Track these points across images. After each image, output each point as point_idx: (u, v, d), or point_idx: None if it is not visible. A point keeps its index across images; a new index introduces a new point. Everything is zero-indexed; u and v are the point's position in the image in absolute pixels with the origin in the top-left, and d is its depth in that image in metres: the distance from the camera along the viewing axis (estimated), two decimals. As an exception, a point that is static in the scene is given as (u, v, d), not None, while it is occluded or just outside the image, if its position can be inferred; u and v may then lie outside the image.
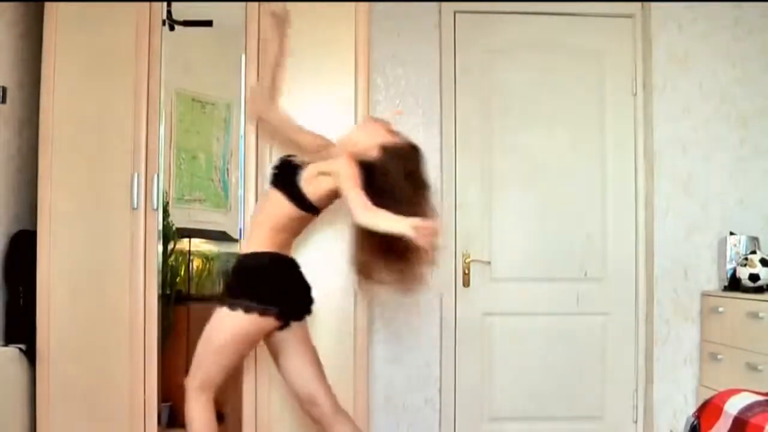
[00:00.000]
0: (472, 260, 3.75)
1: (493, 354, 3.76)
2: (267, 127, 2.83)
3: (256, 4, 3.08)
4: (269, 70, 2.82)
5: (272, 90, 2.81)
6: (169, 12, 3.13)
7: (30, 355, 2.97)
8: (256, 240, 2.54)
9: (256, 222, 2.60)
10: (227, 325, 2.49)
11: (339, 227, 3.07)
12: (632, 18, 3.84)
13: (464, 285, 3.74)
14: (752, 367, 3.11)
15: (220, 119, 3.45)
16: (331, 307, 3.02)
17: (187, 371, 2.54)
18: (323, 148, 2.70)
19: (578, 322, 3.78)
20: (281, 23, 2.74)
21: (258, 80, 2.84)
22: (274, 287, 2.51)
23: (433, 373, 3.70)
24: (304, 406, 2.62)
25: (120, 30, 3.04)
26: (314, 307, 2.66)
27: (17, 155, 3.14)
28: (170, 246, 3.24)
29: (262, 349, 3.02)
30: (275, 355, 2.64)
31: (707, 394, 2.71)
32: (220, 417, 2.60)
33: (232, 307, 2.48)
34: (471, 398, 3.74)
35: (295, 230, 2.61)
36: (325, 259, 3.06)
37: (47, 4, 3.01)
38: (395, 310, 3.69)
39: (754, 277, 3.34)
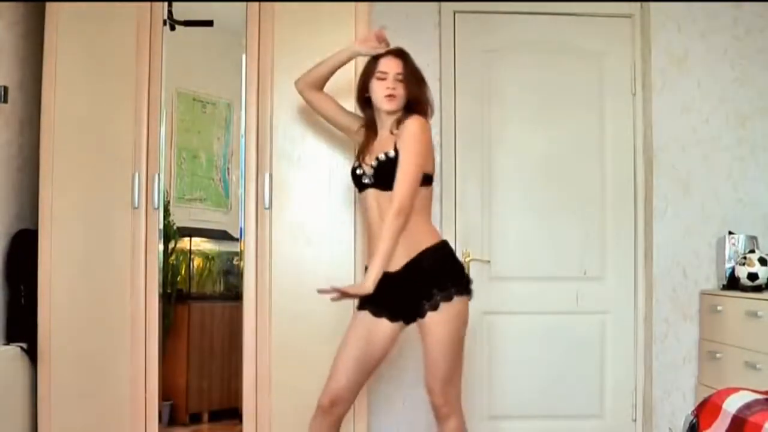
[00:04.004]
0: (472, 259, 3.76)
1: (493, 353, 3.76)
2: (309, 102, 2.82)
3: (256, 4, 3.09)
4: (332, 68, 2.73)
5: (321, 81, 2.76)
6: (169, 12, 3.13)
7: (31, 354, 2.97)
8: (423, 232, 2.53)
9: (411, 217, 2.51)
10: (465, 317, 2.50)
11: (338, 224, 3.09)
12: (631, 18, 3.84)
13: (464, 284, 3.75)
14: (751, 366, 3.12)
15: (221, 119, 3.46)
16: (330, 305, 3.02)
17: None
18: (351, 126, 2.76)
19: (577, 321, 3.79)
20: (380, 48, 2.65)
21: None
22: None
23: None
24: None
25: (121, 30, 3.05)
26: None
27: (18, 155, 3.14)
28: (171, 245, 3.25)
29: (263, 346, 3.04)
30: None
31: (706, 393, 2.72)
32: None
33: (459, 293, 2.47)
34: (471, 397, 3.74)
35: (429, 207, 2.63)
36: (325, 256, 3.07)
37: (48, 4, 3.02)
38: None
39: (752, 276, 3.34)
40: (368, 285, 2.44)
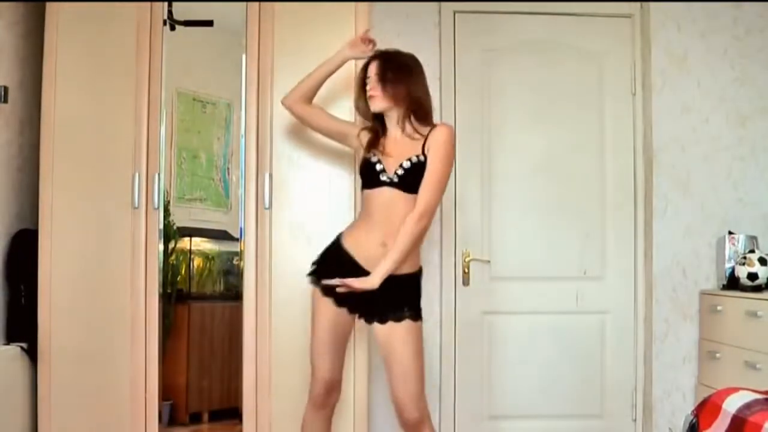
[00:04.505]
0: (472, 259, 3.76)
1: (493, 352, 3.77)
2: (300, 117, 2.84)
3: (256, 4, 3.09)
4: (324, 76, 2.77)
5: (313, 91, 2.79)
6: (170, 12, 3.13)
7: (31, 353, 2.98)
8: (414, 255, 2.60)
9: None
10: (420, 336, 2.57)
11: (338, 224, 3.08)
12: (631, 18, 3.84)
13: (464, 284, 3.75)
14: (751, 366, 3.12)
15: (221, 119, 3.46)
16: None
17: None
18: (348, 132, 2.79)
19: (577, 321, 3.79)
20: (367, 51, 2.72)
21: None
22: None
23: (433, 371, 3.71)
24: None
25: (121, 30, 3.05)
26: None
27: (18, 155, 3.14)
28: (171, 245, 3.25)
29: (263, 346, 3.04)
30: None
31: (706, 393, 2.72)
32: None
33: (417, 319, 2.58)
34: (471, 396, 3.75)
35: None
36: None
37: (48, 4, 3.02)
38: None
39: (752, 276, 3.34)
40: (375, 280, 2.48)
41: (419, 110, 2.61)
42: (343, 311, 2.62)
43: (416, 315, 2.57)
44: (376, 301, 2.54)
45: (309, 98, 2.79)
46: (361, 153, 2.72)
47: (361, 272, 2.54)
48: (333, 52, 2.77)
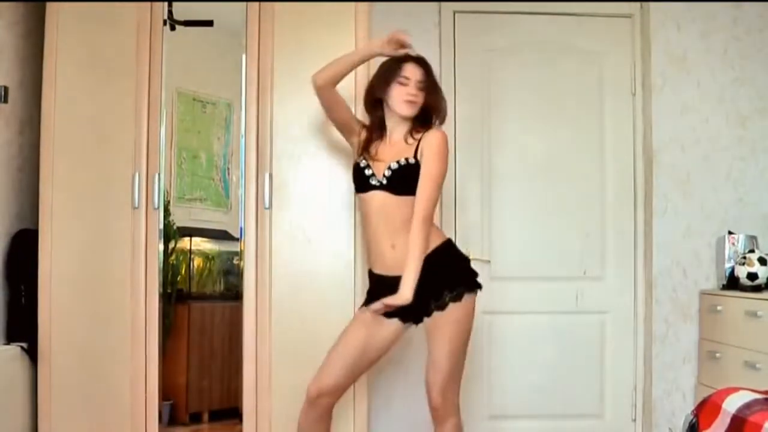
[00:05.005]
0: (472, 259, 3.74)
1: (493, 352, 3.77)
2: (327, 100, 2.74)
3: (256, 4, 3.09)
4: (353, 65, 2.71)
5: (340, 77, 2.71)
6: (170, 12, 3.13)
7: (31, 353, 2.98)
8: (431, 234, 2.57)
9: (409, 229, 2.52)
10: (473, 313, 2.58)
11: (338, 224, 3.09)
12: (631, 18, 3.85)
13: (464, 284, 3.75)
14: (750, 366, 3.12)
15: (221, 118, 3.46)
16: (331, 305, 3.03)
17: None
18: (354, 128, 2.75)
19: (577, 321, 3.79)
20: (398, 52, 2.65)
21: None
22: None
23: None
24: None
25: (121, 30, 3.06)
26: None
27: (19, 155, 3.15)
28: (171, 245, 3.25)
29: (263, 346, 3.04)
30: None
31: (706, 393, 2.72)
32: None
33: (469, 290, 2.57)
34: (471, 396, 3.74)
35: None
36: (325, 256, 3.07)
37: (48, 4, 3.02)
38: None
39: (752, 276, 3.34)
40: (407, 294, 2.44)
41: (437, 121, 2.62)
42: (393, 322, 2.60)
43: (459, 294, 2.53)
44: (415, 299, 2.49)
45: (335, 83, 2.72)
46: (355, 153, 2.73)
47: (390, 280, 2.52)
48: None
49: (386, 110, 2.64)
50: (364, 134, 2.71)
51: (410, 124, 2.61)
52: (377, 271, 2.62)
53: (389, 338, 2.64)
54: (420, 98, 2.57)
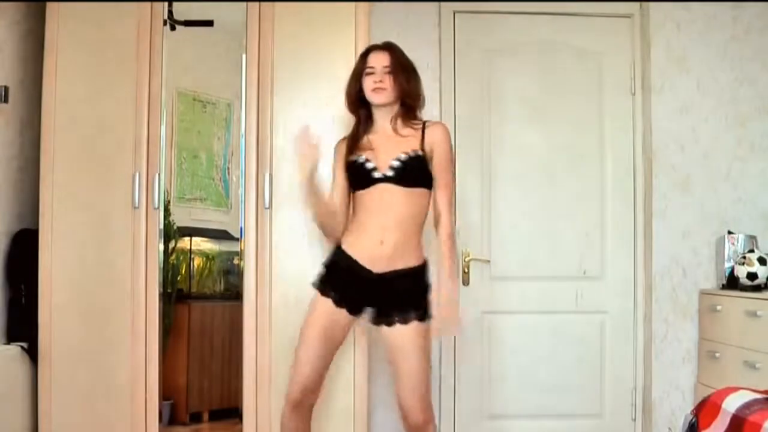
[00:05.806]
0: (472, 259, 3.76)
1: (493, 352, 3.77)
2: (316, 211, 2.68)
3: (256, 4, 3.10)
4: (314, 190, 2.60)
5: (327, 213, 2.66)
6: (170, 12, 3.14)
7: (32, 353, 2.98)
8: (416, 248, 2.58)
9: (404, 229, 2.54)
10: (427, 337, 2.54)
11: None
12: (631, 18, 3.84)
13: (464, 284, 3.75)
14: (750, 365, 3.12)
15: (221, 118, 3.47)
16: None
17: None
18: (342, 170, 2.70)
19: (577, 321, 3.79)
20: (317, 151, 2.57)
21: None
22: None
23: (433, 371, 3.71)
24: None
25: (121, 30, 3.06)
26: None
27: (19, 154, 3.15)
28: (171, 245, 3.26)
29: (263, 346, 3.04)
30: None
31: (705, 392, 2.72)
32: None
33: (428, 317, 2.53)
34: (471, 396, 3.75)
35: None
36: (324, 253, 3.07)
37: (49, 4, 3.03)
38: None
39: (752, 276, 3.34)
40: (453, 296, 2.51)
41: (415, 107, 2.61)
42: (342, 313, 2.57)
43: (423, 314, 2.52)
44: (381, 300, 2.53)
45: (333, 215, 2.66)
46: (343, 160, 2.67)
47: (365, 272, 2.53)
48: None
49: (371, 106, 2.63)
50: (344, 145, 2.69)
51: (395, 111, 2.60)
52: (353, 255, 2.57)
53: (344, 327, 2.62)
54: (387, 83, 2.56)
